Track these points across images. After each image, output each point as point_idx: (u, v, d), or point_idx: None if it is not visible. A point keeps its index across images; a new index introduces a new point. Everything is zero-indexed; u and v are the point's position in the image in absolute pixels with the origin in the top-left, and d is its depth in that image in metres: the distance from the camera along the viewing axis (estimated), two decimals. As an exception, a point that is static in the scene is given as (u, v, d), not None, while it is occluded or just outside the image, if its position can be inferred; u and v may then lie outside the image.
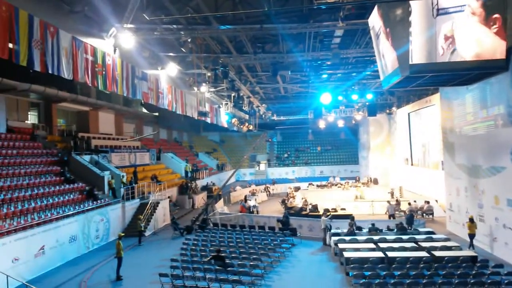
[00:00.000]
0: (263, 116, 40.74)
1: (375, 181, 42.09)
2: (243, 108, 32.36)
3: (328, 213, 22.77)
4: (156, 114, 38.84)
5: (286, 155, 57.52)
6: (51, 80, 21.70)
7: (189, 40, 18.43)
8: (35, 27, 12.94)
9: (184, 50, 20.11)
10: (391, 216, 23.75)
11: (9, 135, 22.04)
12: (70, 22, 15.53)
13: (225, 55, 21.32)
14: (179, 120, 43.47)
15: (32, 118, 26.10)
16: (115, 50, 17.70)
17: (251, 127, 39.79)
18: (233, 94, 29.29)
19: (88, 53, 15.71)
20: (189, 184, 33.97)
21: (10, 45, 12.18)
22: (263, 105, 38.32)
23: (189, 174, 37.52)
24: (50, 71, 13.83)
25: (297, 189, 37.98)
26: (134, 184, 25.52)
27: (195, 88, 26.59)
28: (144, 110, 37.81)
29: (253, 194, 35.56)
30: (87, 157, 24.69)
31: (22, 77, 20.97)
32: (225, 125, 35.95)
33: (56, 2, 15.12)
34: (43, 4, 14.54)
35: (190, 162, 42.06)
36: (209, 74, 24.38)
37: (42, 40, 13.33)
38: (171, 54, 21.24)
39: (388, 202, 26.00)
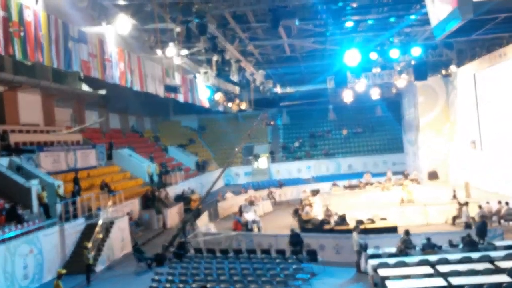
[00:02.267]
0: (261, 88, 40.70)
1: (431, 176, 42.26)
2: (231, 77, 32.26)
3: (363, 226, 22.87)
4: (103, 92, 38.69)
5: (297, 144, 57.69)
6: None
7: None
8: None
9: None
10: (467, 225, 24.11)
11: None
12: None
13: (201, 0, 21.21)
14: (137, 100, 43.51)
15: None
16: (37, 0, 17.55)
17: (243, 105, 39.77)
18: (215, 58, 29.17)
19: (-3, 6, 15.53)
20: (156, 194, 34.03)
21: None
22: (260, 71, 38.28)
23: (156, 179, 37.56)
24: None
25: (315, 193, 38.13)
26: (76, 197, 25.54)
27: (159, 52, 26.40)
28: (85, 88, 37.60)
29: (251, 203, 35.67)
30: (4, 161, 24.64)
31: None
32: (206, 104, 35.86)
33: None
34: None
35: (157, 161, 42.09)
36: (178, 29, 24.18)
37: None
38: (120, 1, 21.06)
39: (460, 204, 26.45)
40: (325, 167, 53.75)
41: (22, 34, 16.57)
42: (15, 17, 16.27)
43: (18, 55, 16.57)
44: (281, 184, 44.86)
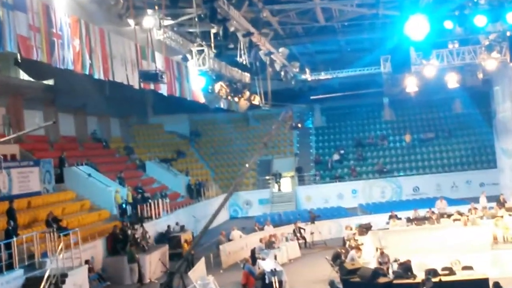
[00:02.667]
0: (282, 74, 40.74)
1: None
2: (238, 59, 32.30)
3: (437, 278, 22.63)
4: (50, 82, 38.88)
5: (336, 157, 57.51)
6: None
7: None
8: None
9: None
10: None
11: None
12: None
13: None
14: (100, 94, 43.63)
15: None
16: None
17: (256, 100, 39.79)
18: (213, 30, 29.24)
19: None
20: (129, 232, 34.02)
21: None
22: (281, 50, 38.29)
23: (128, 210, 37.53)
24: None
25: (365, 229, 37.89)
26: (11, 238, 25.60)
27: (131, 22, 26.51)
28: (24, 76, 37.81)
29: (269, 245, 35.55)
30: None
31: None
32: (201, 99, 35.91)
33: None
34: None
35: (129, 184, 42.11)
36: (159, -12, 24.31)
37: None
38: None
39: None
40: (379, 190, 53.52)
41: None
42: None
43: None
44: (313, 216, 44.60)
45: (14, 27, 19.79)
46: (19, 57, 21.67)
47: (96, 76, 25.03)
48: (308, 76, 45.39)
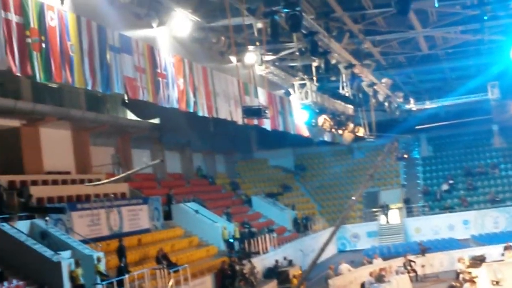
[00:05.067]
0: (386, 105, 40.36)
1: None
2: (341, 91, 32.19)
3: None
4: (156, 121, 39.72)
5: (445, 187, 56.23)
6: None
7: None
8: None
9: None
10: None
11: None
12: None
13: (292, -20, 21.44)
14: (204, 131, 44.27)
15: None
16: (64, -1, 18.45)
17: (361, 132, 39.46)
18: (315, 64, 29.29)
19: (9, 9, 16.48)
20: (237, 268, 34.13)
21: None
22: (384, 80, 37.95)
23: (236, 245, 37.68)
24: None
25: (479, 262, 36.78)
26: (123, 275, 26.07)
27: (233, 59, 26.89)
28: (131, 116, 38.79)
29: (379, 279, 34.96)
30: (23, 225, 25.67)
31: None
32: (305, 133, 35.93)
33: None
34: None
35: (236, 219, 42.38)
36: (260, 25, 24.57)
37: None
38: (176, -9, 21.77)
39: None
40: (491, 221, 51.94)
41: (43, 45, 17.45)
42: (33, 22, 17.18)
43: (39, 76, 17.43)
44: (424, 249, 43.67)
45: (121, 69, 20.40)
46: (126, 97, 22.26)
47: (200, 113, 25.43)
48: (412, 105, 44.82)
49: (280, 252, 41.74)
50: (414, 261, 40.39)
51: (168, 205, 37.86)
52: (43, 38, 17.42)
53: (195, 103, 24.82)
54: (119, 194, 34.45)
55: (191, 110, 24.74)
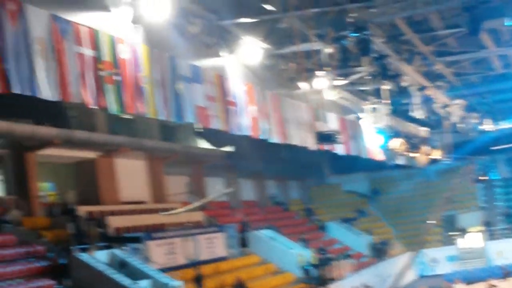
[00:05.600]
0: (461, 126, 39.64)
1: None
2: (413, 114, 31.80)
3: None
4: (229, 149, 39.94)
5: (525, 209, 54.87)
6: (17, 107, 23.74)
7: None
8: (-21, 7, 14.34)
9: (271, 8, 20.60)
10: None
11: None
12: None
13: (360, 4, 21.36)
14: (277, 158, 44.30)
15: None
16: (134, 30, 18.80)
17: (436, 154, 38.85)
18: (386, 87, 29.03)
19: (83, 44, 16.88)
20: (314, 294, 33.89)
21: None
22: (458, 101, 37.36)
23: (313, 272, 37.41)
24: (16, 91, 15.10)
25: None
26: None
27: (304, 85, 26.87)
28: (204, 145, 39.13)
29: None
30: (102, 255, 26.08)
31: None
32: (378, 157, 35.57)
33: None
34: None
35: (312, 245, 42.12)
36: (329, 50, 24.51)
37: (-5, 30, 14.68)
38: (245, 19, 21.90)
39: None
40: None
41: (116, 78, 17.79)
42: (107, 55, 17.55)
43: (113, 108, 17.75)
44: (506, 272, 42.65)
45: (193, 98, 20.62)
46: (198, 127, 22.52)
47: (272, 140, 25.46)
48: (488, 126, 43.87)
49: (358, 278, 41.25)
50: (496, 286, 39.45)
51: (243, 232, 37.90)
52: (116, 70, 17.75)
53: (267, 130, 24.86)
54: (195, 222, 34.70)
55: (263, 137, 24.80)
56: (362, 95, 32.03)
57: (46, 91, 15.66)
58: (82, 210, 28.95)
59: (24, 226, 26.76)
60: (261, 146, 32.26)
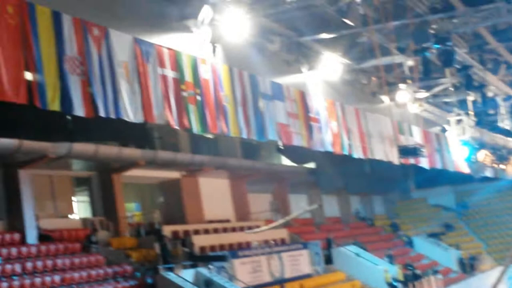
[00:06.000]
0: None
1: None
2: (500, 124, 31.10)
3: None
4: (312, 166, 39.86)
5: None
6: (101, 130, 24.29)
7: (358, 0, 18.84)
8: (66, 33, 14.71)
9: (350, 23, 20.51)
10: None
11: (43, 246, 25.03)
12: (124, 14, 17.25)
13: (441, 15, 21.07)
14: (360, 173, 43.98)
15: (80, 208, 29.31)
16: (214, 51, 19.01)
17: (525, 165, 37.83)
18: (471, 98, 28.50)
19: (165, 65, 17.16)
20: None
21: (28, 76, 14.03)
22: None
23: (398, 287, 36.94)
24: (102, 114, 15.44)
25: None
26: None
27: (385, 99, 26.63)
28: (286, 162, 39.16)
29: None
30: (188, 274, 26.33)
31: (49, 133, 23.90)
32: (464, 169, 34.86)
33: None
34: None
35: (398, 261, 41.53)
36: (410, 63, 24.23)
37: (82, 55, 15.05)
38: (325, 35, 21.87)
39: None
40: None
41: (199, 98, 18.02)
42: (188, 76, 17.80)
43: (196, 128, 17.96)
44: None
45: (274, 116, 20.68)
46: (280, 144, 22.57)
47: (355, 156, 25.30)
48: None
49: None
50: None
51: (328, 249, 37.72)
52: (198, 91, 17.98)
53: (350, 145, 24.75)
54: (279, 240, 34.73)
55: (346, 153, 24.68)
56: (446, 107, 31.50)
57: (131, 113, 15.98)
58: (168, 229, 29.36)
59: (112, 247, 27.33)
60: (344, 161, 32.08)
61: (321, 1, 19.30)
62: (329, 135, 23.45)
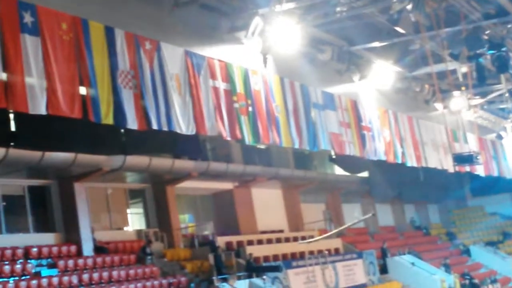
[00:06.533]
0: None
1: None
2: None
3: None
4: (365, 174, 39.61)
5: None
6: (154, 142, 24.51)
7: (408, 7, 18.70)
8: (118, 48, 14.95)
9: (402, 31, 20.39)
10: None
11: (99, 258, 25.35)
12: (175, 27, 17.44)
13: (495, 20, 20.80)
14: (414, 181, 43.50)
15: (134, 220, 29.63)
16: (265, 62, 19.09)
17: None
18: (527, 104, 28.10)
19: (216, 77, 17.30)
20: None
21: (82, 91, 14.27)
22: None
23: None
24: (155, 127, 15.62)
25: None
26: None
27: (439, 106, 26.37)
28: (339, 171, 38.98)
29: None
30: (242, 285, 26.34)
31: (103, 146, 24.17)
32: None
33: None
34: (121, 6, 16.67)
35: (455, 271, 40.96)
36: (464, 69, 23.98)
37: (135, 69, 15.27)
38: (376, 43, 21.78)
39: None
40: None
41: (250, 109, 18.11)
42: (240, 87, 17.91)
43: (248, 139, 18.05)
44: None
45: (326, 125, 20.68)
46: (332, 153, 22.54)
47: (408, 164, 25.12)
48: None
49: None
50: None
51: (383, 258, 37.39)
52: (249, 102, 18.07)
53: (403, 153, 24.60)
54: (333, 249, 34.56)
55: (399, 161, 24.52)
56: (502, 114, 31.09)
57: (183, 125, 16.16)
58: (221, 240, 29.45)
59: (166, 258, 27.52)
60: (398, 169, 31.84)
61: (371, 10, 19.26)
62: (382, 144, 23.35)
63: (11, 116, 19.18)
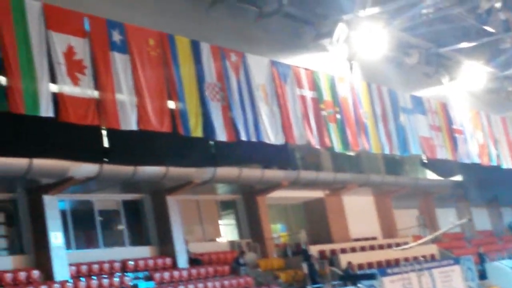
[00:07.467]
0: None
1: None
2: None
3: None
4: (458, 178, 38.87)
5: None
6: (243, 153, 24.72)
7: (497, 5, 18.35)
8: (204, 61, 15.20)
9: (491, 30, 20.01)
10: None
11: (193, 270, 25.72)
12: (259, 37, 17.61)
13: None
14: (510, 184, 42.37)
15: (227, 231, 29.92)
16: (351, 68, 19.06)
17: None
18: None
19: (303, 86, 17.38)
20: None
21: (171, 105, 14.56)
22: None
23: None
24: (243, 138, 15.80)
25: None
26: None
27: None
28: (432, 176, 38.35)
29: None
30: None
31: (193, 159, 24.50)
32: None
33: (228, 9, 17.43)
34: (205, 20, 16.93)
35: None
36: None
37: (221, 81, 15.50)
38: (465, 44, 21.43)
39: None
40: None
41: (338, 116, 18.13)
42: (327, 95, 17.95)
43: (337, 146, 18.06)
44: None
45: (416, 129, 20.47)
46: (423, 158, 22.28)
47: (504, 166, 24.59)
48: None
49: None
50: None
51: (481, 264, 36.56)
52: (337, 109, 18.09)
53: (498, 155, 24.15)
54: (428, 256, 34.06)
55: (494, 163, 24.03)
56: None
57: (271, 135, 16.30)
58: (314, 249, 29.44)
59: (260, 268, 27.67)
60: (493, 172, 31.12)
61: (459, 10, 18.98)
62: (475, 146, 22.95)
63: (104, 132, 19.67)
